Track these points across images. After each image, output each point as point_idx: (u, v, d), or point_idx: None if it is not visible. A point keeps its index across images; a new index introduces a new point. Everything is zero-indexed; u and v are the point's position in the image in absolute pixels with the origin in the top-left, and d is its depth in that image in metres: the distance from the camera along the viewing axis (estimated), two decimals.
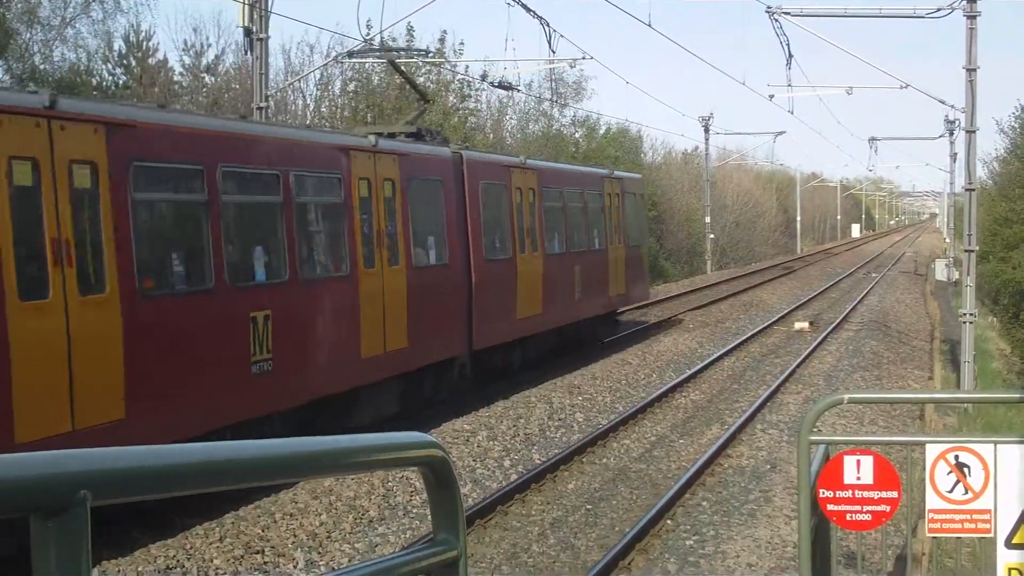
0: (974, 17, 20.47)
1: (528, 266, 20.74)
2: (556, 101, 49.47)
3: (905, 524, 8.75)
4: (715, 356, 23.95)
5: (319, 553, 10.63)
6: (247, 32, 20.44)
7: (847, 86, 38.80)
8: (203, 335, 11.60)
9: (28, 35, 31.45)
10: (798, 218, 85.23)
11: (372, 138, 15.75)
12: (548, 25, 24.99)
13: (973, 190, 21.69)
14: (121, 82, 34.93)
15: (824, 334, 28.30)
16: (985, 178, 46.06)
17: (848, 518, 5.12)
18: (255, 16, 20.26)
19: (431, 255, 17.24)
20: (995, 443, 5.15)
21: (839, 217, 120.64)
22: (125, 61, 35.70)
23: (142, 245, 10.77)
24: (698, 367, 22.35)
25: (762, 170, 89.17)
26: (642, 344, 26.15)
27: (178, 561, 10.17)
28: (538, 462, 14.34)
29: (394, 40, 36.64)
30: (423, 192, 17.09)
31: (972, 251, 21.44)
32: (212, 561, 10.24)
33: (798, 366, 22.93)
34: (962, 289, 21.83)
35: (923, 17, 21.42)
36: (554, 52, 26.21)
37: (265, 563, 10.32)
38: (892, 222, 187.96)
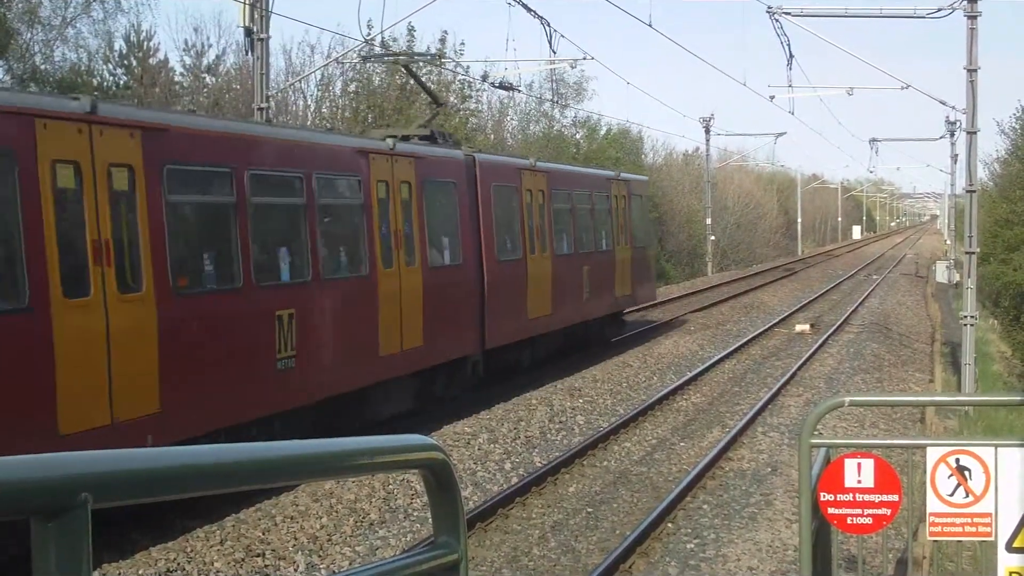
0: (975, 17, 20.47)
1: (538, 267, 21.05)
2: (557, 102, 49.48)
3: (906, 527, 8.76)
4: (716, 358, 23.95)
5: (320, 556, 10.63)
6: (248, 32, 20.45)
7: (848, 87, 38.86)
8: (232, 332, 12.00)
9: (29, 35, 31.47)
10: (799, 220, 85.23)
11: (390, 141, 16.07)
12: (549, 25, 25.01)
13: (974, 192, 21.69)
14: (122, 82, 34.93)
15: (825, 336, 28.30)
16: (986, 179, 46.11)
17: (849, 521, 5.11)
18: (256, 16, 20.26)
19: (445, 256, 17.62)
20: (996, 446, 5.14)
21: (840, 219, 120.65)
22: (126, 61, 35.70)
23: (175, 245, 11.21)
24: (699, 369, 22.35)
25: (763, 171, 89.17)
26: (643, 346, 26.15)
27: (178, 564, 10.16)
28: (539, 465, 14.33)
29: (395, 40, 36.71)
30: (438, 194, 17.50)
31: (973, 253, 21.42)
32: (213, 564, 10.24)
33: (799, 369, 22.92)
34: (963, 291, 21.81)
35: (924, 17, 21.44)
36: (555, 52, 26.23)
37: (266, 566, 10.32)
38: (893, 224, 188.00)
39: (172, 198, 11.16)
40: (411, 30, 38.54)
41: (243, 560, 10.36)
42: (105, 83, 34.49)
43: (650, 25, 28.13)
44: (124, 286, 10.33)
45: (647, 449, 15.66)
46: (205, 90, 37.08)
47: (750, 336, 28.12)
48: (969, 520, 5.08)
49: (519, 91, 38.38)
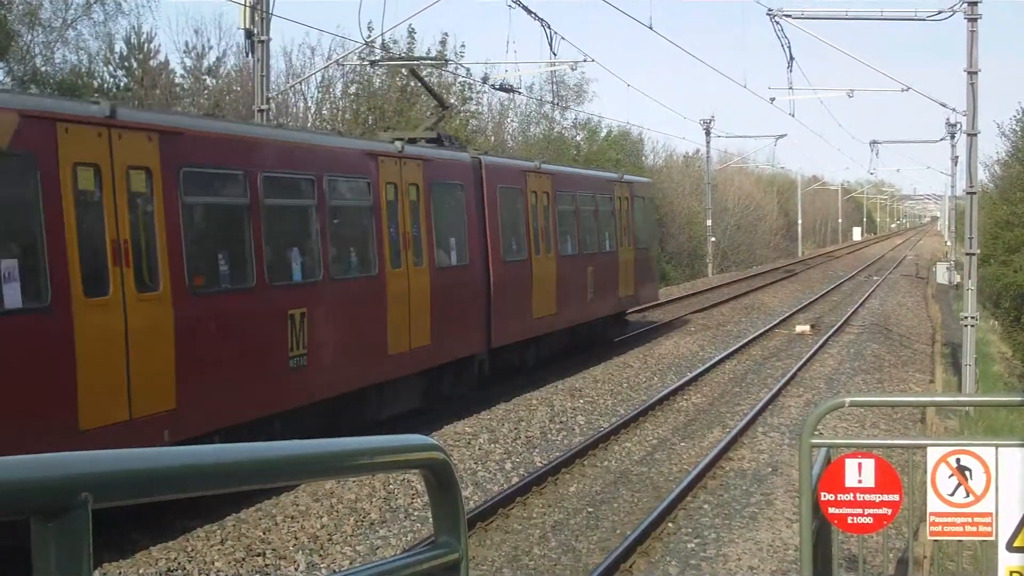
0: (975, 20, 20.47)
1: (543, 267, 21.29)
2: (557, 104, 49.49)
3: (906, 527, 8.75)
4: (716, 359, 23.95)
5: (320, 556, 10.63)
6: (248, 34, 20.46)
7: (848, 89, 38.82)
8: (246, 331, 12.24)
9: (29, 37, 31.47)
10: (799, 221, 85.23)
11: (399, 144, 16.34)
12: (549, 27, 25.03)
13: (974, 193, 21.69)
14: (122, 84, 34.92)
15: (825, 337, 28.30)
16: (986, 181, 46.05)
17: (849, 521, 5.11)
18: (256, 18, 20.27)
19: (452, 256, 17.89)
20: (996, 446, 5.15)
21: (840, 220, 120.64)
22: (126, 63, 35.69)
23: (191, 246, 11.46)
24: (699, 370, 22.35)
25: (763, 173, 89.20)
26: (643, 347, 26.16)
27: (179, 563, 10.17)
28: (539, 465, 14.33)
29: (395, 43, 36.72)
30: (445, 196, 17.79)
31: (973, 254, 21.43)
32: (213, 563, 10.24)
33: (799, 369, 22.92)
34: (963, 292, 21.81)
35: (924, 20, 21.44)
36: (555, 54, 26.25)
37: (266, 565, 10.32)
38: (893, 225, 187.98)
39: (188, 200, 11.42)
40: (411, 32, 38.57)
41: (244, 560, 10.36)
42: (105, 85, 34.47)
43: (650, 27, 28.11)
44: (142, 285, 10.60)
45: (648, 449, 15.66)
46: (205, 92, 37.07)
47: (750, 337, 28.11)
48: (970, 520, 5.08)
49: (519, 93, 38.46)
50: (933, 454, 5.16)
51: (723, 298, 39.30)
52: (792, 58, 26.91)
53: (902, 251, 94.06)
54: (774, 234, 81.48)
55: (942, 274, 45.65)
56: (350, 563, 10.44)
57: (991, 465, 5.07)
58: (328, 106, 37.79)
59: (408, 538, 11.17)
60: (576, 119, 54.32)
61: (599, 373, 21.79)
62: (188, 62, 37.53)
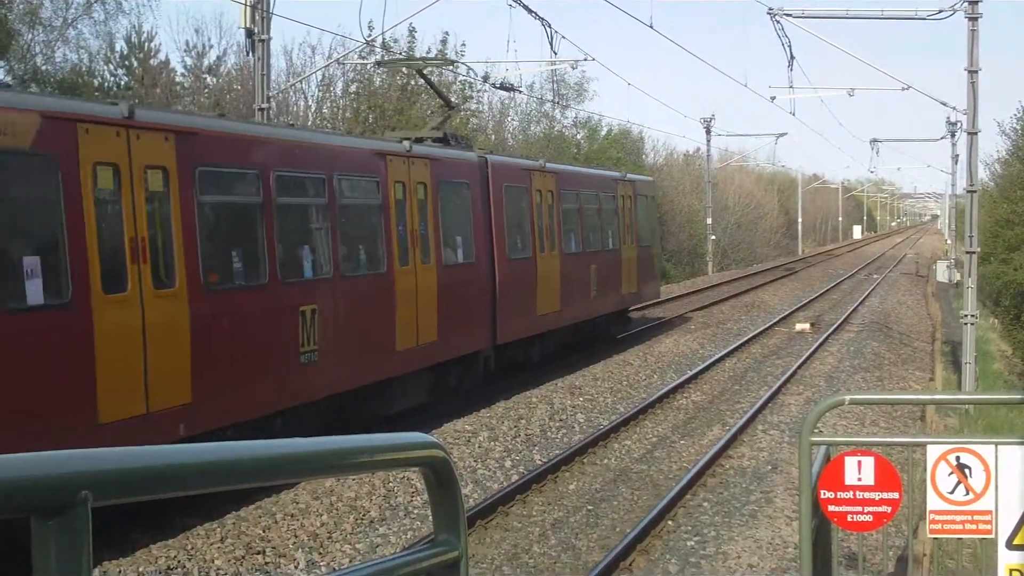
0: (976, 19, 20.47)
1: (547, 265, 21.52)
2: (558, 102, 49.46)
3: (906, 525, 8.75)
4: (716, 357, 23.95)
5: (320, 554, 10.63)
6: (249, 33, 20.47)
7: (849, 87, 38.92)
8: (259, 327, 12.47)
9: (30, 36, 31.47)
10: (799, 219, 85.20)
11: (407, 144, 16.57)
12: (550, 26, 25.06)
13: (974, 192, 21.70)
14: (123, 83, 34.91)
15: (825, 335, 28.30)
16: (987, 180, 46.02)
17: (849, 519, 5.12)
18: (257, 17, 20.27)
19: (459, 254, 18.14)
20: (996, 444, 5.15)
21: (840, 219, 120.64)
22: (127, 62, 35.69)
23: (206, 243, 11.71)
24: (699, 368, 22.36)
25: (763, 171, 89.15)
26: (643, 345, 26.16)
27: (179, 562, 10.17)
28: (539, 463, 14.34)
29: (395, 42, 36.70)
30: (452, 194, 18.04)
31: (973, 253, 21.44)
32: (213, 562, 10.25)
33: (799, 367, 22.93)
34: (963, 291, 21.82)
35: (925, 19, 21.43)
36: (555, 53, 26.27)
37: (266, 563, 10.33)
38: (893, 224, 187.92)
39: (203, 198, 11.64)
40: (412, 31, 38.55)
41: (243, 558, 10.37)
42: (106, 84, 34.47)
43: (651, 26, 28.10)
44: (159, 282, 10.85)
45: (647, 447, 15.67)
46: (206, 91, 37.07)
47: (750, 335, 28.12)
48: (969, 518, 5.09)
49: (520, 92, 38.44)
50: (933, 452, 5.16)
51: (723, 296, 39.30)
52: (793, 57, 26.96)
53: (902, 249, 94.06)
54: (774, 232, 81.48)
55: (942, 272, 45.62)
56: (350, 561, 10.44)
57: (991, 463, 5.07)
58: (328, 105, 37.79)
59: (408, 536, 11.17)
60: (577, 118, 54.36)
61: (599, 371, 21.80)
62: (188, 61, 37.58)
